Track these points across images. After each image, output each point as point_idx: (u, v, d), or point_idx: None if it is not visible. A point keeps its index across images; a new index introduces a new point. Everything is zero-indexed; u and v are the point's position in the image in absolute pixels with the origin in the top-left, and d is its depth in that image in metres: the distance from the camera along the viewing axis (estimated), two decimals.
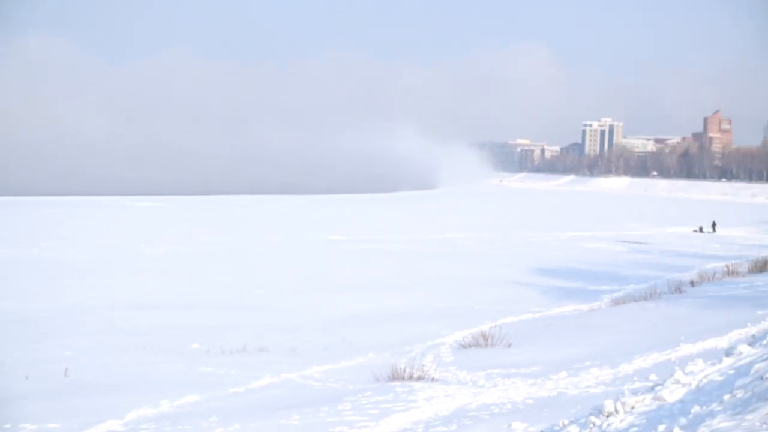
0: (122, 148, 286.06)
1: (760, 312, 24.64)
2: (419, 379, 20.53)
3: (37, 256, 52.12)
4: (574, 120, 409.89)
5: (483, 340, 26.17)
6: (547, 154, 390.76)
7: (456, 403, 17.70)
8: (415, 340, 27.94)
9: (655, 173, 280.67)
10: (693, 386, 12.51)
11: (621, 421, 11.81)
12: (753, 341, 14.87)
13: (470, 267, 50.53)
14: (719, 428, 9.53)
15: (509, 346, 25.54)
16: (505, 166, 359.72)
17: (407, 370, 20.83)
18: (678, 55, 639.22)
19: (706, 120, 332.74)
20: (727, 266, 42.92)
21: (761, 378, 11.12)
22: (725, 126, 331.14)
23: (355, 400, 18.51)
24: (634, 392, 13.16)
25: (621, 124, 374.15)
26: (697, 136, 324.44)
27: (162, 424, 17.31)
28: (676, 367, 13.78)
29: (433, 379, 20.58)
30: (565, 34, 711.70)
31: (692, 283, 38.49)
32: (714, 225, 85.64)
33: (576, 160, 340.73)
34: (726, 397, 10.99)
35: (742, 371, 12.28)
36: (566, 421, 13.24)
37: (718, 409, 10.59)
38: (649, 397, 12.45)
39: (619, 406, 12.32)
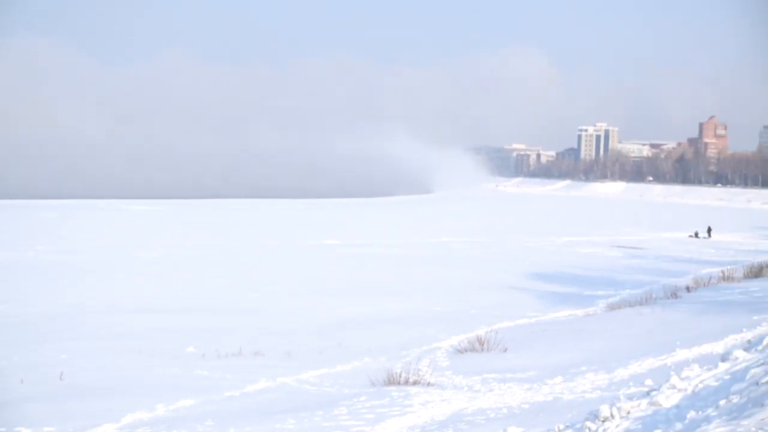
0: (120, 150, 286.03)
1: (755, 317, 24.69)
2: (415, 383, 20.54)
3: (33, 260, 52.09)
4: (569, 125, 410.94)
5: (479, 345, 26.17)
6: (543, 159, 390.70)
7: (452, 408, 17.70)
8: (411, 344, 27.93)
9: (651, 178, 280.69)
10: (689, 391, 12.52)
11: (617, 426, 11.81)
12: (749, 346, 14.89)
13: (466, 271, 50.54)
14: None
15: (505, 350, 25.56)
16: (501, 170, 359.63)
17: (403, 375, 20.84)
18: (673, 61, 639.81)
19: (701, 125, 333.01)
20: (723, 271, 42.96)
21: (757, 383, 11.14)
22: (720, 131, 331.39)
23: (350, 404, 18.51)
24: (630, 397, 13.17)
25: (617, 129, 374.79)
26: (692, 141, 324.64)
27: (157, 427, 17.31)
28: (672, 372, 13.79)
29: (429, 384, 20.58)
30: (561, 39, 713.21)
31: (688, 289, 38.51)
32: (709, 230, 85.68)
33: (572, 165, 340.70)
34: (722, 402, 11.00)
35: (737, 376, 12.29)
36: (562, 426, 13.25)
37: (714, 414, 10.60)
38: (644, 402, 12.46)
39: (614, 411, 12.33)
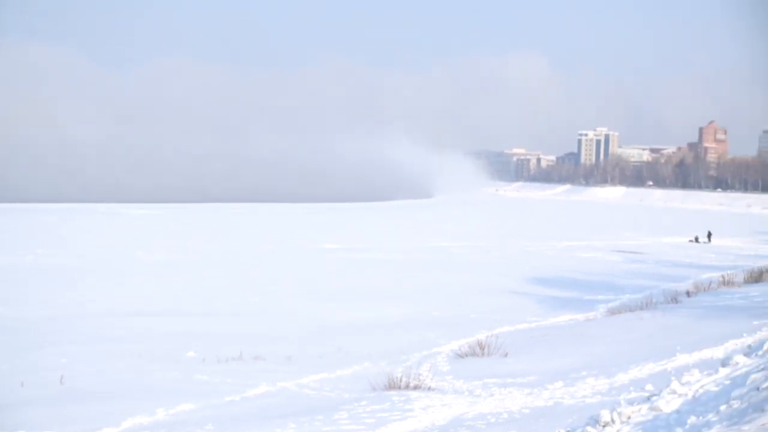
0: (119, 154, 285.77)
1: (755, 322, 24.67)
2: (416, 388, 20.53)
3: (33, 263, 52.10)
4: (570, 129, 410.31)
5: (479, 350, 26.16)
6: (543, 164, 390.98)
7: (452, 413, 17.70)
8: (411, 348, 27.92)
9: (651, 183, 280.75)
10: (689, 396, 12.52)
11: (617, 431, 11.82)
12: (749, 352, 14.90)
13: (466, 276, 50.51)
14: None
15: (506, 355, 25.55)
16: (501, 175, 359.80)
17: (404, 379, 20.83)
18: (673, 66, 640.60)
19: (701, 130, 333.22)
20: (723, 276, 42.96)
21: (757, 388, 11.14)
22: (720, 136, 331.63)
23: (351, 409, 18.51)
24: (631, 402, 13.17)
25: (617, 133, 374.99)
26: (692, 146, 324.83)
27: None
28: (673, 378, 13.80)
29: (429, 389, 20.57)
30: (562, 43, 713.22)
31: (688, 293, 38.53)
32: (709, 235, 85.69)
33: (572, 170, 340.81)
34: (722, 407, 11.00)
35: (738, 382, 12.30)
36: (563, 431, 13.26)
37: (715, 419, 10.60)
38: (645, 407, 12.47)
39: (615, 416, 12.33)
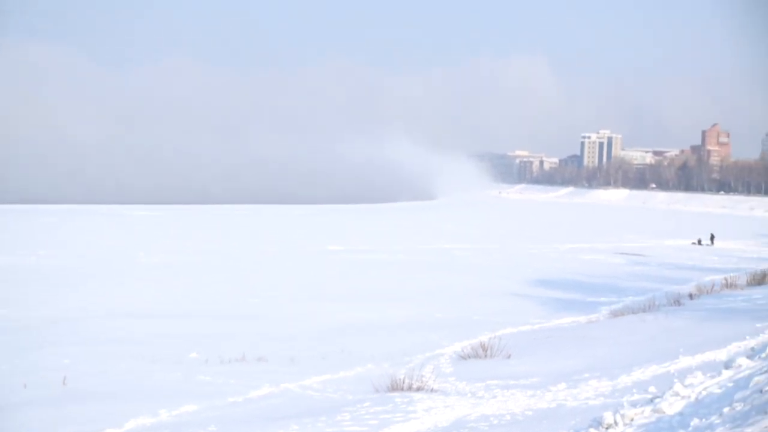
0: (121, 155, 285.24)
1: (758, 325, 24.66)
2: (418, 389, 20.52)
3: (35, 264, 52.12)
4: (572, 132, 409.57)
5: (482, 351, 26.16)
6: (546, 166, 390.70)
7: (455, 414, 17.69)
8: (414, 350, 27.93)
9: (654, 186, 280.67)
10: (692, 399, 12.52)
11: None
12: (752, 354, 14.89)
13: (469, 278, 50.54)
14: None
15: (508, 357, 25.54)
16: (504, 177, 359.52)
17: (406, 381, 20.81)
18: (676, 69, 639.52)
19: (704, 133, 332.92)
20: (726, 279, 42.94)
21: (760, 391, 11.14)
22: (723, 139, 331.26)
23: (354, 410, 18.51)
24: (633, 404, 13.18)
25: (619, 136, 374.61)
26: (695, 148, 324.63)
27: None
28: (675, 380, 13.79)
29: (432, 390, 20.56)
30: (564, 46, 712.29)
31: (691, 296, 38.53)
32: (712, 238, 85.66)
33: (575, 172, 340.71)
34: (725, 409, 11.00)
35: (741, 384, 12.29)
36: None
37: (718, 421, 10.60)
38: (648, 409, 12.47)
39: (618, 418, 12.34)
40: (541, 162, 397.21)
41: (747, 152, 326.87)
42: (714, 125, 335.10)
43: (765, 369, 12.54)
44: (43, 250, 59.89)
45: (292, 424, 17.38)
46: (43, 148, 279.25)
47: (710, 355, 20.97)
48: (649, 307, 34.81)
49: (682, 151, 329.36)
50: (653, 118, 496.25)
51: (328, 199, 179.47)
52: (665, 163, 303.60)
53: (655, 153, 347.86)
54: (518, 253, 69.98)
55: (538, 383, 20.77)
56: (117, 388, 21.62)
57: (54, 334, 29.72)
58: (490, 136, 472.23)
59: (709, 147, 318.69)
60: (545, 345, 28.23)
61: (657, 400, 12.89)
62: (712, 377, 13.56)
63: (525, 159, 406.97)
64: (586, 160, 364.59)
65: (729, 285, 41.21)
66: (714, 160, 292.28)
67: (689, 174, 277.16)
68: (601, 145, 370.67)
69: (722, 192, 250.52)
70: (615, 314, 35.55)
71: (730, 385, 12.67)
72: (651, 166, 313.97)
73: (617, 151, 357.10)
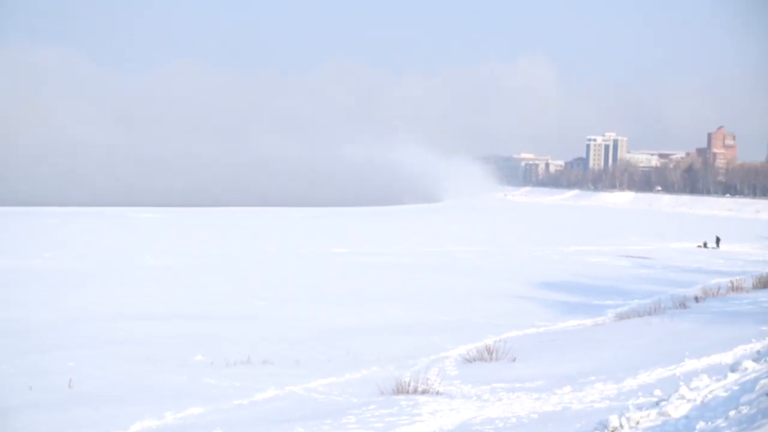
0: (123, 157, 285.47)
1: (764, 328, 24.63)
2: (424, 392, 20.51)
3: (40, 267, 52.13)
4: (578, 134, 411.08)
5: (487, 354, 26.15)
6: (552, 168, 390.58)
7: (460, 417, 17.68)
8: (419, 353, 27.92)
9: (659, 188, 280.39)
10: (698, 402, 12.51)
11: None
12: (758, 357, 14.88)
13: (474, 280, 50.52)
14: None
15: (514, 360, 25.53)
16: (510, 179, 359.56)
17: (412, 384, 20.80)
18: (682, 71, 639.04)
19: (710, 135, 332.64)
20: (732, 282, 42.91)
21: (766, 394, 11.13)
22: (729, 141, 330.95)
23: (359, 413, 18.49)
24: (639, 407, 13.15)
25: (625, 138, 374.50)
26: (701, 151, 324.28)
27: None
28: (681, 383, 13.78)
29: (437, 393, 20.55)
30: (570, 48, 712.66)
31: (696, 299, 38.47)
32: (718, 240, 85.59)
33: (580, 175, 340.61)
34: (731, 413, 10.99)
35: (747, 387, 12.28)
36: None
37: (724, 425, 10.59)
38: (654, 412, 12.46)
39: (623, 421, 12.33)
40: (547, 164, 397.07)
41: (753, 155, 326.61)
42: (720, 128, 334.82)
43: None
44: (48, 253, 59.90)
45: (298, 427, 17.37)
46: (45, 149, 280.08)
47: (716, 358, 20.95)
48: (654, 310, 34.77)
49: (688, 154, 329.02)
50: (659, 120, 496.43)
51: (331, 202, 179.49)
52: (671, 166, 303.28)
53: (661, 156, 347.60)
54: (523, 255, 69.96)
55: (543, 386, 20.75)
56: (122, 390, 21.62)
57: (59, 336, 29.70)
58: (495, 138, 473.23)
59: (714, 150, 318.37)
60: (551, 348, 28.21)
61: (663, 403, 12.88)
62: (718, 380, 13.55)
63: (530, 161, 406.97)
64: (591, 163, 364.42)
65: (735, 288, 41.18)
66: (720, 162, 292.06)
67: (695, 177, 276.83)
68: (606, 147, 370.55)
69: (728, 195, 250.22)
70: (620, 317, 35.53)
71: (736, 388, 12.66)
72: (657, 168, 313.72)
73: (623, 154, 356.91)
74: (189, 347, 28.00)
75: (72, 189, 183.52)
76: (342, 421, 17.69)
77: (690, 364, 20.64)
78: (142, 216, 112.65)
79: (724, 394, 12.52)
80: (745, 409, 10.87)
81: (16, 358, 25.43)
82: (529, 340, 30.40)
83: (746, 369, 13.75)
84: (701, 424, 10.95)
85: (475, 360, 26.12)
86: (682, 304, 36.42)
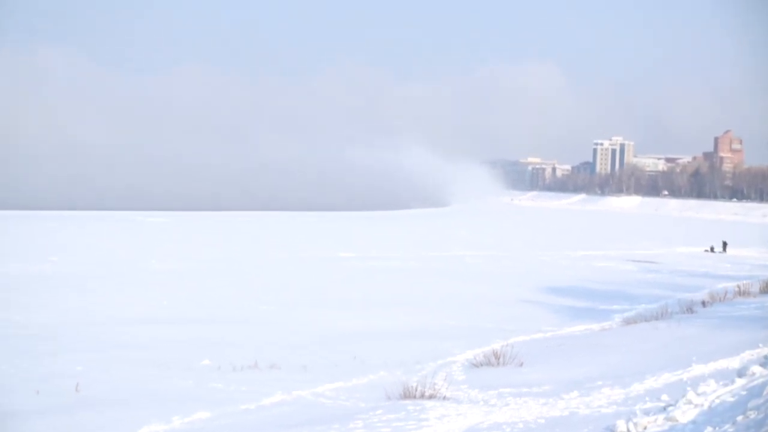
0: (128, 161, 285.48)
1: None
2: (431, 397, 20.50)
3: (47, 271, 52.16)
4: (585, 139, 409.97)
5: (494, 359, 26.14)
6: (558, 173, 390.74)
7: (467, 422, 17.68)
8: (426, 357, 27.90)
9: (666, 192, 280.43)
10: (705, 407, 12.50)
11: None
12: (765, 362, 14.87)
13: (481, 285, 50.48)
14: None
15: (521, 365, 25.51)
16: (516, 184, 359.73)
17: (419, 389, 20.79)
18: (689, 75, 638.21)
19: (716, 139, 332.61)
20: (739, 286, 42.88)
21: None
22: (736, 146, 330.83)
23: (366, 418, 18.49)
24: (646, 412, 13.16)
25: (632, 143, 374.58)
26: (707, 155, 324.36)
27: None
28: (688, 388, 13.78)
29: (444, 398, 20.54)
30: (576, 52, 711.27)
31: (703, 303, 38.42)
32: (725, 245, 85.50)
33: (587, 179, 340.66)
34: (739, 418, 10.98)
35: (754, 392, 12.28)
36: None
37: (731, 430, 10.59)
38: (661, 417, 12.46)
39: (631, 426, 12.33)
40: (554, 169, 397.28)
41: (760, 159, 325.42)
42: (727, 132, 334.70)
43: None
44: (54, 257, 59.93)
45: (305, 431, 17.39)
46: (49, 152, 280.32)
47: (723, 363, 20.92)
48: (661, 315, 34.75)
49: (695, 158, 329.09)
50: (666, 124, 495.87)
51: (338, 206, 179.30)
52: (678, 170, 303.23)
53: (668, 160, 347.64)
54: (530, 260, 69.92)
55: (550, 391, 20.75)
56: (129, 394, 21.63)
57: (65, 340, 29.74)
58: (502, 142, 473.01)
59: (721, 154, 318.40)
60: (558, 353, 28.20)
61: (670, 408, 12.88)
62: (725, 385, 13.54)
63: (537, 166, 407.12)
64: (598, 167, 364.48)
65: (742, 292, 41.15)
66: (727, 166, 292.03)
67: (702, 181, 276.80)
68: (613, 152, 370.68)
69: (735, 199, 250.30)
70: (627, 322, 35.47)
71: (744, 393, 12.65)
72: (663, 173, 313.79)
73: (630, 158, 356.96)
74: (195, 351, 28.01)
75: (76, 192, 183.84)
76: (349, 426, 17.70)
77: (697, 369, 20.62)
78: (147, 220, 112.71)
79: (732, 399, 12.51)
80: (752, 414, 10.86)
81: (22, 363, 25.47)
82: (537, 345, 30.39)
83: (754, 374, 13.75)
84: (708, 430, 10.96)
85: (482, 365, 26.11)
86: (689, 308, 36.37)
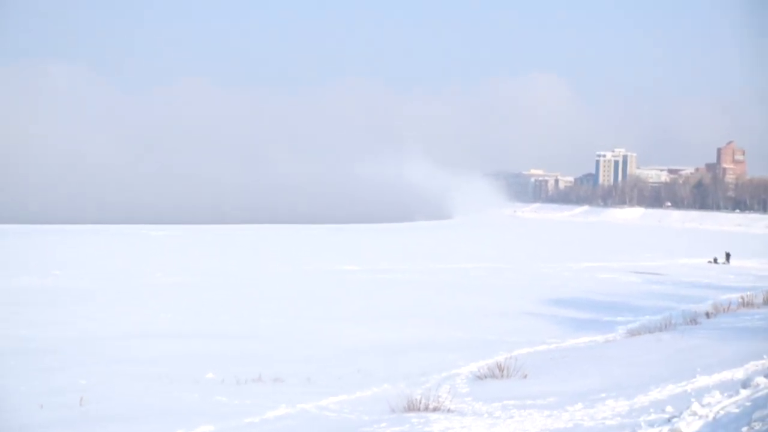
0: (139, 177, 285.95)
1: None
2: (435, 410, 20.49)
3: (52, 285, 52.22)
4: (587, 150, 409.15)
5: (499, 371, 26.12)
6: (561, 185, 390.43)
7: None
8: (430, 370, 27.88)
9: (669, 204, 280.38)
10: (710, 418, 12.50)
11: None
12: None
13: (484, 297, 50.49)
14: None
15: (525, 377, 25.49)
16: (519, 196, 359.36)
17: (423, 401, 20.78)
18: (691, 86, 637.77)
19: (719, 151, 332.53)
20: (742, 297, 42.80)
21: None
22: (739, 157, 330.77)
23: (371, 431, 18.47)
24: (651, 424, 13.16)
25: (635, 154, 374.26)
26: (710, 166, 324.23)
27: None
28: (693, 399, 13.77)
29: (449, 411, 20.52)
30: (579, 64, 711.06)
31: (707, 315, 38.36)
32: (728, 256, 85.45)
33: (590, 191, 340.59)
34: (743, 429, 10.98)
35: (759, 403, 12.27)
36: None
37: None
38: (665, 429, 12.45)
39: None
40: (556, 181, 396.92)
41: (763, 170, 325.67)
42: (729, 143, 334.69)
43: None
44: (59, 270, 60.03)
45: None
46: (63, 169, 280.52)
47: (727, 375, 20.90)
48: (665, 326, 34.69)
49: (698, 169, 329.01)
50: (668, 136, 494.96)
51: (344, 219, 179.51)
52: (680, 182, 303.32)
53: (671, 171, 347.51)
54: (534, 272, 69.92)
55: (554, 403, 20.72)
56: (134, 408, 21.63)
57: (70, 354, 29.76)
58: (505, 155, 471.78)
59: (724, 165, 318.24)
60: (562, 365, 28.17)
61: (674, 419, 12.87)
62: (730, 396, 13.54)
63: (540, 178, 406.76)
64: (601, 179, 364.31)
65: (746, 303, 41.10)
66: (729, 178, 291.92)
67: (704, 192, 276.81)
68: (616, 163, 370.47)
69: (738, 210, 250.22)
70: (631, 333, 35.44)
71: (748, 404, 12.64)
72: (666, 184, 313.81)
73: (632, 170, 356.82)
74: (199, 365, 28.01)
75: (86, 207, 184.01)
76: None
77: (702, 381, 20.60)
78: (155, 233, 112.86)
79: (737, 411, 12.51)
80: (757, 426, 10.86)
81: (27, 376, 25.49)
82: (540, 357, 30.35)
83: (758, 385, 13.75)
84: None
85: (486, 377, 26.09)
86: (693, 320, 36.33)
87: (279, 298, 48.82)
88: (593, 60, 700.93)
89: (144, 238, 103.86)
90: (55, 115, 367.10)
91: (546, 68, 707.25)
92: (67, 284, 52.67)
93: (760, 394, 13.00)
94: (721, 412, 12.60)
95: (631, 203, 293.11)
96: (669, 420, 13.01)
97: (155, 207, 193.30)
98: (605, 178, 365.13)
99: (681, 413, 13.08)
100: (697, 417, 12.57)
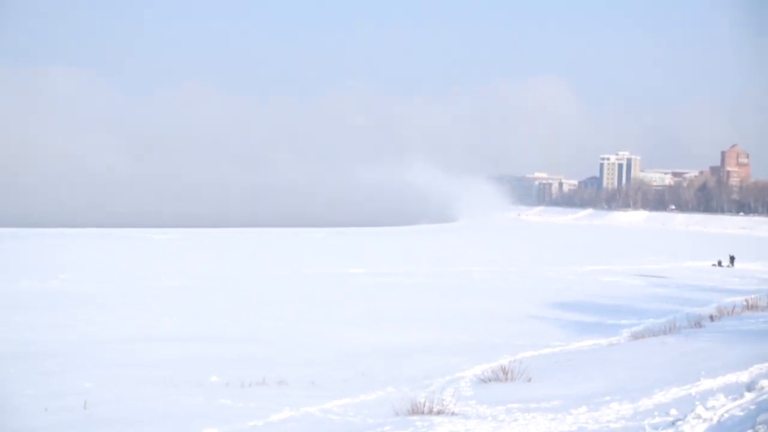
0: (142, 181, 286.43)
1: None
2: (439, 413, 20.48)
3: (55, 288, 52.21)
4: (591, 154, 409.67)
5: (503, 375, 26.11)
6: (565, 188, 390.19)
7: None
8: (434, 373, 27.88)
9: (673, 207, 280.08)
10: (714, 421, 12.48)
11: None
12: None
13: (489, 300, 50.47)
14: None
15: (529, 380, 25.48)
16: (523, 199, 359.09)
17: (427, 404, 20.77)
18: (695, 90, 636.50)
19: (723, 154, 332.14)
20: (747, 300, 42.80)
21: None
22: (743, 160, 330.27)
23: None
24: (655, 427, 13.14)
25: (639, 157, 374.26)
26: (714, 169, 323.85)
27: None
28: (697, 402, 13.76)
29: (453, 414, 20.52)
30: (583, 68, 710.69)
31: (711, 318, 38.34)
32: (732, 259, 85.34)
33: (594, 194, 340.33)
34: None
35: (763, 406, 12.26)
36: None
37: None
38: None
39: None
40: (561, 184, 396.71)
41: (767, 173, 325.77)
42: (733, 146, 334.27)
43: None
44: (63, 274, 60.02)
45: None
46: (65, 173, 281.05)
47: (732, 378, 20.88)
48: (669, 329, 34.66)
49: (702, 173, 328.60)
50: (672, 139, 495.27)
51: (346, 222, 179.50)
52: (685, 185, 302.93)
53: (675, 174, 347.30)
54: (538, 275, 69.88)
55: (559, 406, 20.71)
56: (138, 412, 21.63)
57: (76, 358, 29.77)
58: (509, 158, 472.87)
59: (728, 168, 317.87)
60: (566, 368, 28.15)
61: (679, 422, 12.85)
62: (735, 399, 13.52)
63: (544, 181, 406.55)
64: (605, 182, 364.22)
65: (750, 306, 41.07)
66: (734, 180, 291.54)
67: (709, 195, 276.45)
68: (620, 166, 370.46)
69: (742, 213, 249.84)
70: (636, 336, 35.43)
71: (753, 407, 12.63)
72: (670, 187, 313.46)
73: (636, 173, 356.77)
74: (203, 368, 28.02)
75: (90, 211, 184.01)
76: None
77: (706, 384, 20.59)
78: (158, 237, 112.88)
79: (741, 414, 12.49)
80: (762, 429, 10.85)
81: (31, 380, 25.49)
82: (545, 360, 30.33)
83: (762, 388, 13.73)
84: None
85: (490, 380, 26.08)
86: (697, 323, 36.29)
87: (281, 302, 48.81)
88: (597, 63, 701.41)
89: (146, 242, 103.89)
90: (56, 118, 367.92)
91: (550, 72, 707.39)
92: (68, 288, 52.68)
93: (764, 397, 12.98)
94: (726, 416, 12.58)
95: (635, 206, 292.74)
96: (673, 423, 12.99)
97: (157, 210, 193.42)
98: (609, 181, 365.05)
99: (685, 416, 13.06)
100: (701, 420, 12.56)
